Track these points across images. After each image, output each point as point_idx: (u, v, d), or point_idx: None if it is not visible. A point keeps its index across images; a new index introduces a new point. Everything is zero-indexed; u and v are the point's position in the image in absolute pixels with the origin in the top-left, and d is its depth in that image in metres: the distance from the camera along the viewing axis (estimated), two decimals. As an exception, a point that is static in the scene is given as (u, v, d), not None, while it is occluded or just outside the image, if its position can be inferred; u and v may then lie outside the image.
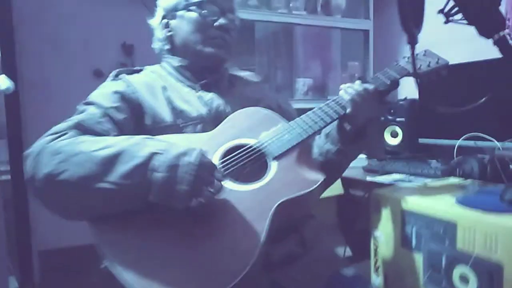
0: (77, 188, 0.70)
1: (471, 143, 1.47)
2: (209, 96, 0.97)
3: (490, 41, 0.72)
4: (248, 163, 0.85)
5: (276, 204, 0.76)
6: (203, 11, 0.95)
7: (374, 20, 2.32)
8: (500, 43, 0.69)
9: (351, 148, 0.98)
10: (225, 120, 0.92)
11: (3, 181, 1.79)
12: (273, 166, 0.84)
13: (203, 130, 0.91)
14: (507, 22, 0.70)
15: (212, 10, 0.95)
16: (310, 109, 0.94)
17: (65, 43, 2.09)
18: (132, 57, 2.15)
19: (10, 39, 1.92)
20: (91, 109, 0.85)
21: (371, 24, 2.31)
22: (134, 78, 0.95)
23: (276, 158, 0.85)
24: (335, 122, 0.96)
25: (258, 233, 0.72)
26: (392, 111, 1.93)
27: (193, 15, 0.95)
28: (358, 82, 0.96)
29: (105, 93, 0.89)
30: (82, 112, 0.85)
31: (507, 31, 0.67)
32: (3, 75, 1.41)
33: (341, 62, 2.42)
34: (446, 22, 0.72)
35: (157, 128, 0.89)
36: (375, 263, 1.05)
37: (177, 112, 0.92)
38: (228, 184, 0.79)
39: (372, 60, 2.33)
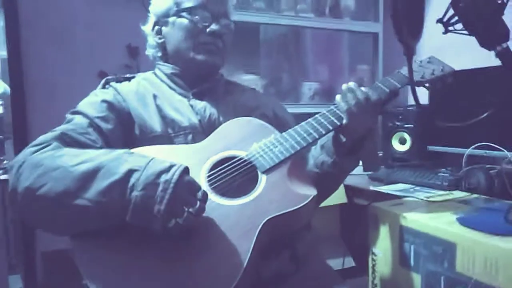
0: (54, 203, 0.68)
1: (481, 152, 1.41)
2: (201, 104, 0.94)
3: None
4: (237, 176, 0.82)
5: (263, 222, 0.72)
6: (194, 17, 0.92)
7: (383, 23, 2.26)
8: (503, 56, 0.64)
9: (347, 160, 0.94)
10: (216, 131, 0.90)
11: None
12: (263, 179, 0.81)
13: (194, 140, 0.89)
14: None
15: (203, 16, 0.92)
16: (316, 114, 0.91)
17: (70, 44, 2.08)
18: (137, 59, 2.13)
19: (16, 40, 1.94)
20: (78, 119, 0.84)
21: (380, 27, 2.26)
22: (123, 86, 0.93)
23: (266, 171, 0.82)
24: (331, 133, 0.92)
25: (242, 253, 0.69)
26: (400, 117, 1.87)
27: (184, 21, 0.93)
28: (358, 91, 0.89)
29: (92, 102, 0.88)
30: (69, 121, 0.84)
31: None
32: None
33: (349, 66, 2.36)
34: (445, 32, 0.67)
35: (146, 138, 0.87)
36: (373, 280, 1.00)
37: (167, 121, 0.89)
38: (214, 198, 0.77)
39: (382, 64, 2.27)
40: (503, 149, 1.31)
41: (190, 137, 0.89)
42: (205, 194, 0.70)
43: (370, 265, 1.00)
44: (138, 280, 0.66)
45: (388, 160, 1.90)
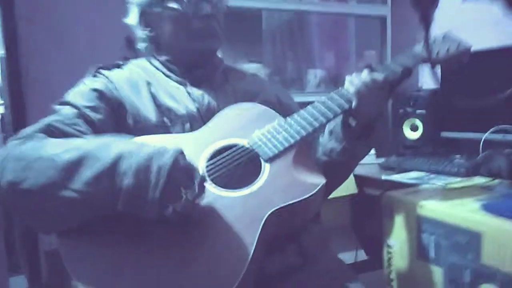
0: (40, 197, 0.63)
1: (499, 136, 1.32)
2: (199, 91, 0.89)
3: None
4: (239, 166, 0.76)
5: (268, 213, 0.67)
6: (181, 3, 0.84)
7: (391, 6, 2.16)
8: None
9: (358, 146, 0.88)
10: (214, 117, 0.83)
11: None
12: (266, 169, 0.75)
13: (192, 129, 0.83)
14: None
15: (190, 0, 0.85)
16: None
17: (69, 40, 2.03)
18: (136, 51, 2.08)
19: (13, 36, 1.89)
20: (65, 109, 0.79)
21: (388, 10, 2.16)
22: (115, 74, 0.88)
23: (270, 159, 0.76)
24: (339, 118, 0.85)
25: (246, 247, 0.64)
26: (411, 102, 1.79)
27: (171, 11, 0.85)
28: (365, 71, 0.84)
29: (81, 91, 0.82)
30: (56, 112, 0.79)
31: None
32: None
33: (356, 52, 2.28)
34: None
35: (140, 128, 0.81)
36: (389, 274, 0.93)
37: (163, 110, 0.84)
38: (214, 189, 0.71)
39: (390, 49, 2.18)
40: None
41: (187, 126, 0.83)
42: (203, 178, 0.65)
43: (386, 258, 0.93)
44: (133, 278, 0.61)
45: (399, 148, 1.82)
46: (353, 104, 0.81)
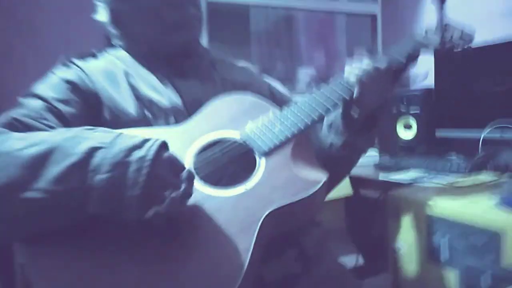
0: (1, 199, 0.53)
1: (496, 135, 1.27)
2: (184, 82, 0.80)
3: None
4: (230, 161, 0.68)
5: (265, 214, 0.59)
6: None
7: (382, 3, 2.13)
8: None
9: (360, 139, 0.81)
10: (202, 109, 0.75)
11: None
12: (261, 164, 0.66)
13: (177, 123, 0.74)
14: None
15: None
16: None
17: (41, 38, 1.91)
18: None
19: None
20: (32, 102, 0.69)
21: (379, 8, 2.13)
22: (89, 64, 0.79)
23: (266, 154, 0.68)
24: (339, 110, 0.79)
25: (241, 253, 0.56)
26: (404, 101, 1.74)
27: (141, 4, 0.77)
28: (366, 60, 0.78)
29: (51, 83, 0.73)
30: (21, 105, 0.70)
31: None
32: None
33: (347, 51, 2.23)
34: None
35: (119, 123, 0.72)
36: (395, 279, 0.86)
37: (144, 102, 0.75)
38: (203, 188, 0.63)
39: (381, 48, 2.14)
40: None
41: (172, 119, 0.75)
42: (191, 174, 0.56)
43: (392, 261, 0.85)
44: None
45: (393, 148, 1.77)
46: (355, 93, 0.75)
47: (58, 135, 0.57)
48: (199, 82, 0.81)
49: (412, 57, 0.80)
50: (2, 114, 0.67)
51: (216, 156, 0.68)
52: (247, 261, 0.54)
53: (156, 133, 0.68)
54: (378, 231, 0.97)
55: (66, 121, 0.69)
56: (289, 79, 2.08)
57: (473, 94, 1.44)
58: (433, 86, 1.63)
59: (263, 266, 0.64)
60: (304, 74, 2.06)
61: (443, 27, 0.87)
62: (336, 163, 0.81)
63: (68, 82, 0.73)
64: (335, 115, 0.81)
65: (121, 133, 0.57)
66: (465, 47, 0.85)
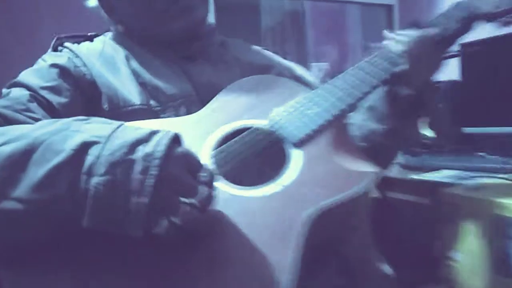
0: None
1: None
2: (195, 67, 0.70)
3: None
4: (256, 154, 0.57)
5: (310, 216, 0.47)
6: None
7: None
8: None
9: (406, 127, 0.72)
10: (217, 96, 0.65)
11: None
12: (296, 156, 0.55)
13: (189, 113, 0.64)
14: None
15: None
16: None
17: (34, 36, 1.85)
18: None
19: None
20: (16, 92, 0.60)
21: (395, -3, 2.11)
22: (83, 47, 0.69)
23: (299, 144, 0.56)
24: (382, 90, 0.68)
25: (279, 268, 0.44)
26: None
27: None
28: (412, 29, 0.67)
29: (37, 69, 0.64)
30: (4, 96, 0.60)
31: None
32: None
33: (361, 44, 2.17)
34: None
35: (119, 113, 0.62)
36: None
37: (149, 89, 0.65)
38: (226, 187, 0.51)
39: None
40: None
41: (182, 109, 0.65)
42: (211, 175, 0.46)
43: (447, 274, 0.73)
44: None
45: (415, 146, 1.65)
46: (403, 66, 0.63)
47: (41, 128, 0.46)
48: (212, 64, 0.71)
49: (467, 21, 0.68)
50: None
51: (238, 149, 0.57)
52: (289, 278, 0.43)
53: (165, 125, 0.57)
54: (422, 238, 0.84)
55: (55, 112, 0.59)
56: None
57: (504, 88, 1.33)
58: (458, 79, 1.54)
59: (300, 284, 0.52)
60: (317, 68, 1.98)
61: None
62: (377, 154, 0.69)
63: (57, 66, 0.63)
64: (374, 99, 0.70)
65: (122, 124, 0.46)
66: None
